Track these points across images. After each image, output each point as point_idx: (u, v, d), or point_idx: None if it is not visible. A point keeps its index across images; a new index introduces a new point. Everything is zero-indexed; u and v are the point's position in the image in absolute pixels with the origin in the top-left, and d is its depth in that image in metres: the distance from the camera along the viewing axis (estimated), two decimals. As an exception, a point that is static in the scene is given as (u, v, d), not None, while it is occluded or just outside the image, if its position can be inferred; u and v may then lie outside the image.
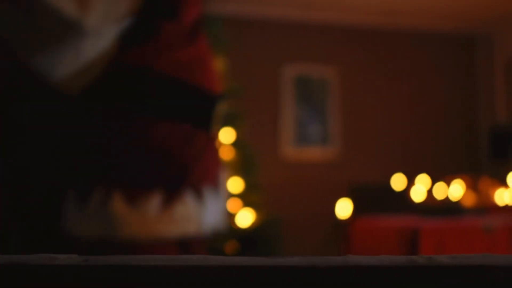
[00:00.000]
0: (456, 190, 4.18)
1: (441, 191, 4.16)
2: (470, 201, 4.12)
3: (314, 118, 5.44)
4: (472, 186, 4.23)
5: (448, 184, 4.25)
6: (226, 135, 3.17)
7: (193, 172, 1.46)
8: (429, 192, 4.14)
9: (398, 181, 4.14)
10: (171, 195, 1.40)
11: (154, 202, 1.36)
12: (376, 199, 4.02)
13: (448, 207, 3.07)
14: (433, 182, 4.25)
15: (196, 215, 1.43)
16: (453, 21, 5.75)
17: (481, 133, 5.80)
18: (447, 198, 3.87)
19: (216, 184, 1.42)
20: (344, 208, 4.07)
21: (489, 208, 3.86)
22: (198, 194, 1.45)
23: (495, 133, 5.35)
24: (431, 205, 3.59)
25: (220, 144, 3.09)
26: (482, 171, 5.27)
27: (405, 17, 5.62)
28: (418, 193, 4.05)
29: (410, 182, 4.21)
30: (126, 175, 1.41)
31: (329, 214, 4.61)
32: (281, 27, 5.45)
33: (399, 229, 2.54)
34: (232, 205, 3.10)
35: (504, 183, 4.22)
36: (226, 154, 3.13)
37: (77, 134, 1.27)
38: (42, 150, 1.34)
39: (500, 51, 5.84)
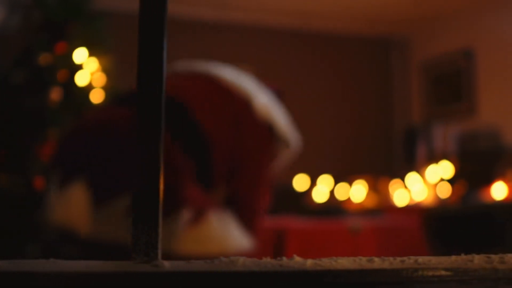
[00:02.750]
0: (358, 190, 4.22)
1: (343, 191, 4.19)
2: (371, 202, 4.16)
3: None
4: (373, 186, 4.28)
5: (351, 184, 4.28)
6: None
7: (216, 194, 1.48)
8: (331, 192, 4.16)
9: (300, 182, 4.15)
10: (199, 215, 1.38)
11: (183, 219, 1.32)
12: (277, 200, 4.00)
13: (328, 209, 3.09)
14: (337, 183, 4.28)
15: (219, 236, 1.40)
16: (369, 24, 5.82)
17: (396, 135, 5.90)
18: (331, 199, 3.90)
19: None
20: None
21: (386, 208, 3.91)
22: (221, 215, 1.44)
23: (409, 134, 5.44)
24: (313, 207, 3.61)
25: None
26: (395, 172, 5.35)
27: (321, 19, 5.66)
28: (319, 194, 4.07)
29: (313, 183, 4.22)
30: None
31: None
32: (196, 26, 5.40)
33: (265, 230, 2.52)
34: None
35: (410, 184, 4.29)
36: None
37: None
38: None
39: (415, 54, 5.96)
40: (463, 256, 0.57)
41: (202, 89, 1.63)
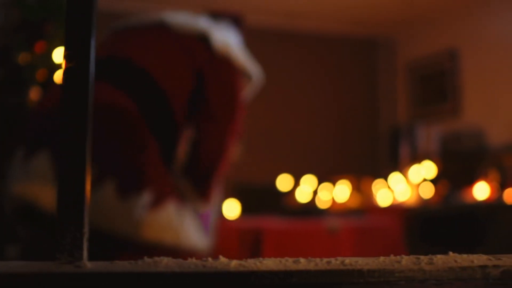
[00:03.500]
0: (341, 191, 4.22)
1: (327, 192, 4.19)
2: (354, 202, 4.17)
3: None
4: (356, 187, 4.29)
5: (334, 185, 4.29)
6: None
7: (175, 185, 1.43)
8: (315, 193, 4.16)
9: (283, 182, 4.15)
10: (159, 200, 1.34)
11: (143, 201, 1.28)
12: (259, 200, 4.00)
13: (308, 209, 3.08)
14: (320, 183, 4.28)
15: (175, 227, 1.36)
16: (356, 25, 5.83)
17: (381, 135, 5.91)
18: (315, 200, 3.90)
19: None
20: (230, 208, 4.04)
21: (368, 209, 3.92)
22: (179, 206, 1.40)
23: (394, 134, 5.45)
24: (294, 207, 3.61)
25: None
26: (380, 172, 5.35)
27: (308, 20, 5.66)
28: (302, 194, 4.07)
29: (296, 183, 4.22)
30: (121, 166, 1.32)
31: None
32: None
33: (242, 230, 2.52)
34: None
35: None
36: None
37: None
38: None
39: (400, 55, 5.97)
40: (391, 257, 0.57)
41: (159, 45, 1.56)
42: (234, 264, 0.54)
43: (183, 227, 1.37)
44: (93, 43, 0.55)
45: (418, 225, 3.71)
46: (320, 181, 4.29)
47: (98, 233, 1.22)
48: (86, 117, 0.55)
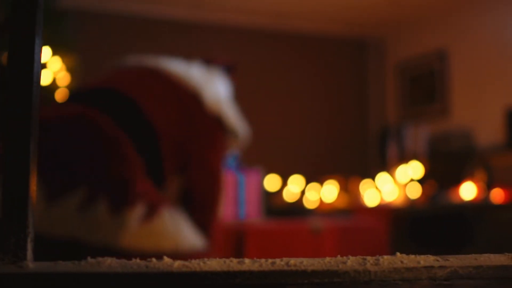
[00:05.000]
0: (329, 191, 4.22)
1: (314, 192, 4.19)
2: (341, 202, 4.17)
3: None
4: (344, 187, 4.29)
5: (322, 185, 4.29)
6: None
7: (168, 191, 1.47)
8: (302, 193, 4.16)
9: (271, 182, 4.14)
10: (153, 210, 1.35)
11: (137, 214, 1.30)
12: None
13: (293, 209, 3.08)
14: (308, 183, 4.28)
15: (172, 233, 1.38)
16: (346, 25, 5.84)
17: (371, 135, 5.92)
18: (300, 200, 3.90)
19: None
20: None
21: (355, 209, 3.92)
22: (173, 212, 1.42)
23: (383, 135, 5.46)
24: (280, 207, 3.60)
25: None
26: (370, 173, 5.36)
27: (298, 20, 5.66)
28: (289, 194, 4.07)
29: (284, 183, 4.22)
30: (112, 182, 1.34)
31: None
32: (171, 26, 5.37)
33: (225, 231, 2.51)
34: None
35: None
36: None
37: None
38: None
39: (390, 56, 5.99)
40: (338, 258, 0.57)
41: (151, 84, 1.63)
42: (177, 264, 0.53)
43: (180, 231, 1.39)
44: (38, 43, 0.55)
45: (405, 225, 3.72)
46: (307, 181, 4.29)
47: (94, 250, 1.23)
48: (30, 117, 0.54)
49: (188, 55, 5.06)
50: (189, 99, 1.63)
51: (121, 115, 1.47)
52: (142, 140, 1.47)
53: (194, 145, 1.60)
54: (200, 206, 1.58)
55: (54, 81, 3.00)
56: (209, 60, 1.87)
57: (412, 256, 0.57)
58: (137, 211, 1.32)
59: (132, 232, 1.29)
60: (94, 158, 1.36)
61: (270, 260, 0.54)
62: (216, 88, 1.70)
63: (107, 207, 1.29)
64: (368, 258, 0.56)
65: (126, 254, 1.29)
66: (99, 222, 1.28)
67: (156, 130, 1.50)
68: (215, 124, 1.66)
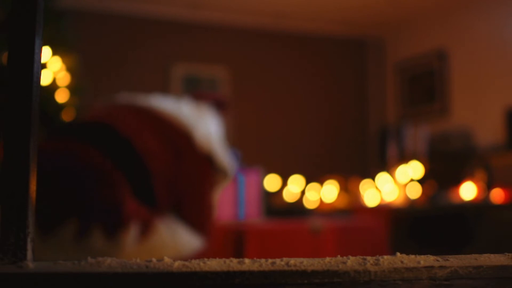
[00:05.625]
0: (329, 191, 4.22)
1: (314, 192, 4.19)
2: (341, 202, 4.17)
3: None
4: (343, 187, 4.29)
5: (322, 185, 4.29)
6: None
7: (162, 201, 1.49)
8: (303, 193, 4.16)
9: (271, 182, 4.14)
10: (147, 227, 1.37)
11: (132, 234, 1.32)
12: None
13: (293, 209, 3.08)
14: (308, 183, 4.28)
15: (170, 242, 1.39)
16: (345, 25, 5.84)
17: (370, 135, 5.92)
18: (300, 200, 3.90)
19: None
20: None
21: (355, 209, 3.92)
22: (167, 222, 1.44)
23: (383, 134, 5.46)
24: (280, 207, 3.60)
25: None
26: (369, 173, 5.37)
27: (298, 20, 5.66)
28: (289, 194, 4.07)
29: (284, 183, 4.22)
30: (103, 208, 1.36)
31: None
32: (171, 26, 5.37)
33: (225, 231, 2.52)
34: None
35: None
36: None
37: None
38: None
39: (389, 55, 5.99)
40: (338, 258, 0.57)
41: (143, 122, 1.65)
42: (177, 264, 0.53)
43: (178, 239, 1.41)
44: (38, 43, 0.55)
45: (405, 225, 3.72)
46: (307, 181, 4.29)
47: None
48: (30, 117, 0.54)
49: (188, 55, 5.05)
50: (180, 138, 1.66)
51: (114, 151, 1.49)
52: (135, 177, 1.49)
53: (185, 183, 1.63)
54: (193, 212, 1.60)
55: (54, 81, 3.00)
56: (199, 96, 1.90)
57: (412, 256, 0.57)
58: (132, 232, 1.34)
59: (130, 253, 1.31)
60: (83, 187, 1.39)
61: (270, 260, 0.54)
62: (206, 126, 1.74)
63: (101, 233, 1.31)
64: (368, 258, 0.56)
65: None
66: (97, 249, 1.30)
67: (148, 168, 1.52)
68: (205, 162, 1.69)
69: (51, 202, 1.35)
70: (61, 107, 3.08)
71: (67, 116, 3.07)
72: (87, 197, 1.37)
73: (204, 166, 1.68)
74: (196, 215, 1.63)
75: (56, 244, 1.28)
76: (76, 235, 1.30)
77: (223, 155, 1.77)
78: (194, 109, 1.77)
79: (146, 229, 1.37)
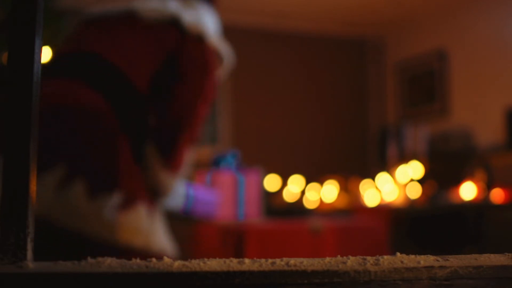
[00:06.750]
0: (329, 191, 4.22)
1: (314, 192, 4.19)
2: (341, 202, 4.17)
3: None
4: (343, 187, 4.29)
5: (322, 185, 4.29)
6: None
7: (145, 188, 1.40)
8: (303, 193, 4.17)
9: (271, 182, 4.14)
10: (129, 202, 1.31)
11: (113, 203, 1.30)
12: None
13: (293, 209, 3.08)
14: (308, 183, 4.28)
15: (145, 230, 1.34)
16: (345, 25, 5.84)
17: (370, 135, 5.92)
18: (300, 200, 3.90)
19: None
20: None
21: (355, 209, 3.92)
22: (149, 209, 1.38)
23: (383, 135, 5.46)
24: (280, 207, 3.61)
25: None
26: (369, 173, 5.37)
27: (297, 20, 5.66)
28: (289, 194, 4.07)
29: (284, 183, 4.23)
30: (93, 164, 1.31)
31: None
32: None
33: (225, 231, 2.52)
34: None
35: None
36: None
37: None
38: None
39: (389, 56, 5.99)
40: (338, 258, 0.57)
41: (124, 35, 1.50)
42: (177, 264, 0.53)
43: (153, 230, 1.36)
44: (38, 43, 0.55)
45: (405, 225, 3.72)
46: (307, 181, 4.29)
47: (68, 234, 1.21)
48: (30, 117, 0.54)
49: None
50: (167, 32, 1.50)
51: (105, 84, 1.39)
52: (125, 107, 1.39)
53: (179, 69, 1.48)
54: (171, 127, 1.46)
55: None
56: None
57: (412, 256, 0.57)
58: (114, 200, 1.28)
59: (105, 221, 1.26)
60: (78, 135, 1.30)
61: (270, 260, 0.54)
62: (195, 12, 1.56)
63: (84, 190, 1.25)
64: (368, 258, 0.56)
65: (96, 241, 1.26)
66: (74, 204, 1.24)
67: (141, 95, 1.41)
68: (198, 44, 1.53)
69: (43, 147, 1.30)
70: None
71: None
72: (81, 146, 1.30)
73: (198, 46, 1.52)
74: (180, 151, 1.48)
75: (38, 191, 1.22)
76: (59, 183, 1.24)
77: (218, 39, 1.63)
78: (181, 2, 1.60)
79: (127, 204, 1.31)
